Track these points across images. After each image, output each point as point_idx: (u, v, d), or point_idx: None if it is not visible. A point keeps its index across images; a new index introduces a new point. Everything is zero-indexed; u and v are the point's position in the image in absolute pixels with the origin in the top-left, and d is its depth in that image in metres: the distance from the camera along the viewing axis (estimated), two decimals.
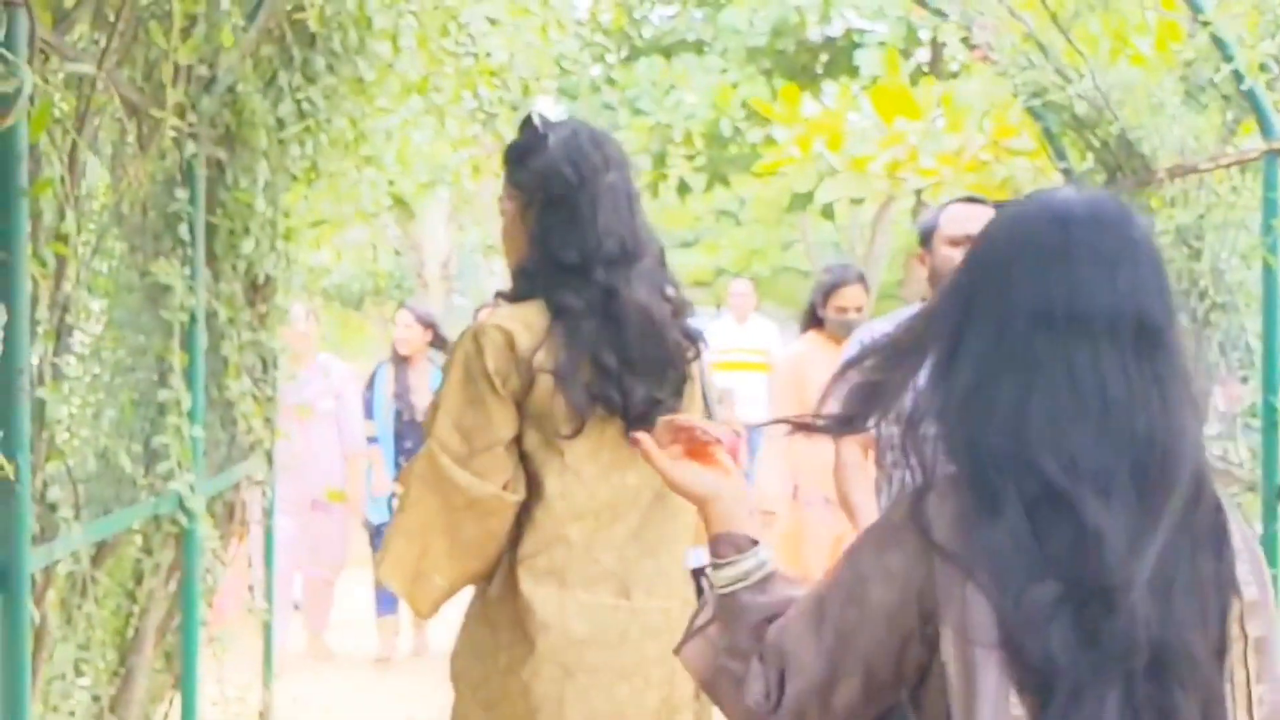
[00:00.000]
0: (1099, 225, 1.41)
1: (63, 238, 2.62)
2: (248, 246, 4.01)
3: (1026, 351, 1.38)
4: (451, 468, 2.18)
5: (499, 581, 2.22)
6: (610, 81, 13.58)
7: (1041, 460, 1.34)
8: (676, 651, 1.55)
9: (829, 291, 5.39)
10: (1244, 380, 4.18)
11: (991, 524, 1.33)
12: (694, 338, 2.32)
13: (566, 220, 2.28)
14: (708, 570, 1.53)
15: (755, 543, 1.52)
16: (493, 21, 5.71)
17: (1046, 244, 1.41)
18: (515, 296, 2.34)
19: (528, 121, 2.42)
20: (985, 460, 1.36)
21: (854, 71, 13.12)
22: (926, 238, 3.51)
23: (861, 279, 5.52)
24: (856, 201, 12.97)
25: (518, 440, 2.24)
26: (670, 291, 2.32)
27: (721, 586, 1.50)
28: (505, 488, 2.22)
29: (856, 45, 13.23)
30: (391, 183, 6.06)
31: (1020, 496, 1.34)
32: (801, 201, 13.06)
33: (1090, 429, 1.35)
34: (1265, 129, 3.88)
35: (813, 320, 5.49)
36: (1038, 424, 1.35)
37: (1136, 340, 1.38)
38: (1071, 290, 1.38)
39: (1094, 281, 1.39)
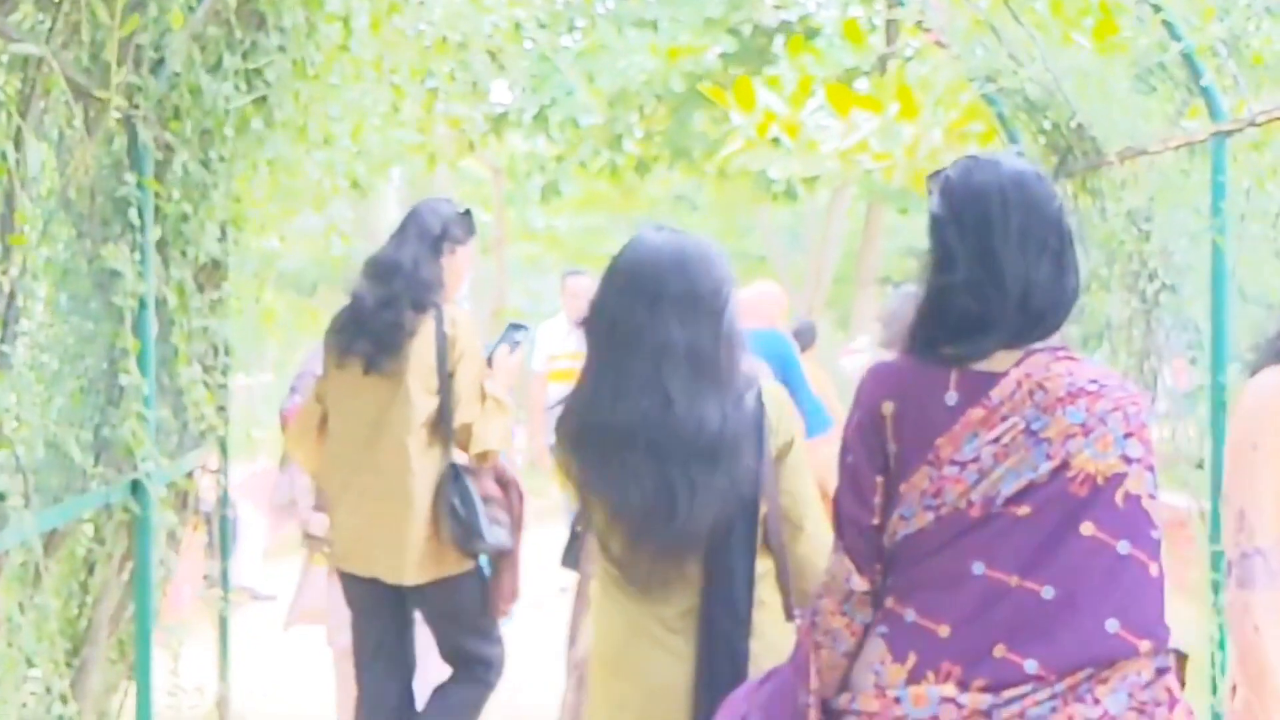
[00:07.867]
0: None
1: (8, 223, 2.58)
2: (196, 231, 3.97)
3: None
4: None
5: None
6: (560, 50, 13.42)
7: None
8: None
9: None
10: (1192, 361, 4.23)
11: None
12: (407, 325, 3.74)
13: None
14: None
15: None
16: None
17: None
18: None
19: None
20: None
21: (812, 49, 13.09)
22: None
23: None
24: (809, 183, 12.99)
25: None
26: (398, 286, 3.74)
27: None
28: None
29: (814, 31, 13.21)
30: (348, 170, 5.97)
31: None
32: (759, 193, 12.94)
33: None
34: (1213, 111, 3.92)
35: None
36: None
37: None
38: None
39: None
